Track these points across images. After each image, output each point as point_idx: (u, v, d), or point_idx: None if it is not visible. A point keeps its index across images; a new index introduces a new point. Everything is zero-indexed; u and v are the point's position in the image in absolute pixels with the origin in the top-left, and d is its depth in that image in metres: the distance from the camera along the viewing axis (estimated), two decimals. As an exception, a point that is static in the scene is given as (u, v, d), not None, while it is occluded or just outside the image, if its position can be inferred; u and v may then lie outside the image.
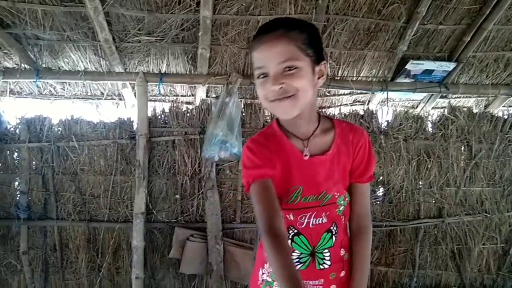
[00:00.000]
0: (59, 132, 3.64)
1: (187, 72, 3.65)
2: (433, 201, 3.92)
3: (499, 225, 3.97)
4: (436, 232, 3.94)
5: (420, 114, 3.89)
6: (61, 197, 3.70)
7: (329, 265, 1.40)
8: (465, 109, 3.89)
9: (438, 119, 3.86)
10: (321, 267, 1.39)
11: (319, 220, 1.37)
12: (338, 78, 3.81)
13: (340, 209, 1.39)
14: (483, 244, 4.00)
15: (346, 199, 1.41)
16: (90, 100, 3.93)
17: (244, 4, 3.14)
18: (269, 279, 1.45)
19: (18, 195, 3.66)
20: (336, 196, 1.38)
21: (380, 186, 3.90)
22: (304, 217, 1.36)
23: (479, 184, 3.91)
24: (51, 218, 3.70)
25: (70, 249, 3.77)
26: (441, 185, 3.87)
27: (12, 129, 3.63)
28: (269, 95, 1.24)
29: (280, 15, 3.24)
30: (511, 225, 4.00)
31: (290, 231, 1.39)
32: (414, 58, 3.61)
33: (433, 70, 3.64)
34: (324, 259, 1.39)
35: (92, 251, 3.76)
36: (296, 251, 1.40)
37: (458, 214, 3.91)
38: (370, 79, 3.85)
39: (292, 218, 1.38)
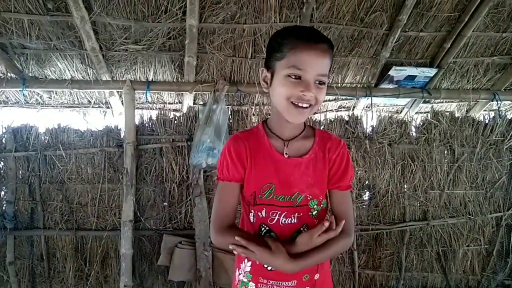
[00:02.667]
0: (46, 141, 3.63)
1: (174, 80, 3.68)
2: (418, 204, 3.98)
3: (482, 227, 4.05)
4: (421, 234, 4.00)
5: (404, 119, 3.97)
6: (48, 206, 3.68)
7: None
8: (447, 113, 3.97)
9: (421, 123, 3.94)
10: None
11: (288, 220, 1.40)
12: (323, 84, 3.86)
13: (314, 213, 1.42)
14: (467, 246, 4.07)
15: (321, 204, 1.44)
16: (77, 108, 3.93)
17: (229, 13, 3.20)
18: (245, 279, 1.48)
19: (4, 205, 3.63)
20: (309, 199, 1.40)
21: (366, 190, 3.95)
22: (275, 214, 1.39)
23: (462, 187, 3.99)
24: (38, 227, 3.68)
25: (57, 258, 3.75)
26: (425, 188, 3.94)
27: (-3, 138, 3.62)
28: (294, 97, 1.28)
29: (265, 23, 3.30)
30: (494, 227, 4.08)
31: (262, 229, 1.42)
32: (397, 64, 3.69)
33: (416, 76, 3.73)
34: None
35: (80, 260, 3.75)
36: None
37: (443, 217, 3.98)
38: (354, 85, 3.92)
39: (264, 215, 1.41)
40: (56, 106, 3.88)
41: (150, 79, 3.65)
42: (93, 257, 3.74)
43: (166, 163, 3.67)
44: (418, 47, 3.67)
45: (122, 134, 3.61)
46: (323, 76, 1.28)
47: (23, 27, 3.13)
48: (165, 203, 3.72)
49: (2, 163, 3.64)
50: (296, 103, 1.29)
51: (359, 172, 3.89)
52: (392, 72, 3.67)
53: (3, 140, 3.60)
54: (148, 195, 3.73)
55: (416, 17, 3.40)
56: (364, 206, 3.96)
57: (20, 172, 3.65)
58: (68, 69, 3.50)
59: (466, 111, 4.36)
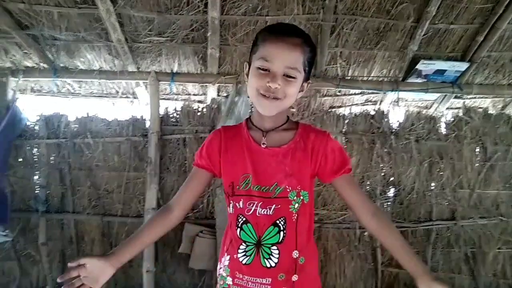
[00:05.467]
0: (75, 129, 3.77)
1: (198, 72, 3.73)
2: (446, 203, 3.84)
3: (515, 229, 3.86)
4: (449, 234, 3.86)
5: (433, 115, 3.83)
6: (77, 192, 3.83)
7: (276, 263, 1.37)
8: (480, 110, 3.79)
9: (452, 120, 3.79)
10: (267, 263, 1.37)
11: (264, 211, 1.37)
12: (349, 78, 3.79)
13: (295, 206, 1.37)
14: (499, 248, 3.88)
15: (301, 196, 1.39)
16: (105, 98, 4.06)
17: (251, 5, 3.19)
18: (224, 274, 1.47)
19: (38, 189, 3.82)
20: (288, 190, 1.37)
21: (390, 187, 3.85)
22: (252, 204, 1.38)
23: (494, 186, 3.80)
24: (67, 211, 3.84)
25: (85, 241, 3.90)
26: (454, 187, 3.79)
27: (31, 125, 3.79)
28: (262, 88, 1.32)
29: (288, 15, 3.27)
30: (528, 230, 3.88)
31: (240, 220, 1.41)
32: (425, 58, 3.56)
33: (445, 70, 3.58)
34: (271, 254, 1.37)
35: (106, 244, 3.88)
36: (243, 243, 1.40)
37: (472, 217, 3.81)
38: (381, 79, 3.83)
39: (241, 206, 1.40)
40: (86, 96, 4.02)
41: (174, 70, 3.70)
42: (119, 242, 3.84)
43: (189, 154, 3.73)
44: (449, 40, 3.52)
45: (147, 124, 3.69)
46: (292, 69, 1.30)
47: (53, 19, 3.26)
48: (188, 193, 3.77)
49: (35, 149, 3.82)
50: (264, 94, 1.32)
51: (384, 168, 3.79)
52: (420, 66, 3.55)
53: (36, 128, 3.77)
54: (171, 184, 3.80)
55: (446, 8, 3.25)
56: (389, 203, 3.87)
57: (51, 158, 3.82)
58: (96, 60, 3.62)
59: (502, 107, 4.15)
